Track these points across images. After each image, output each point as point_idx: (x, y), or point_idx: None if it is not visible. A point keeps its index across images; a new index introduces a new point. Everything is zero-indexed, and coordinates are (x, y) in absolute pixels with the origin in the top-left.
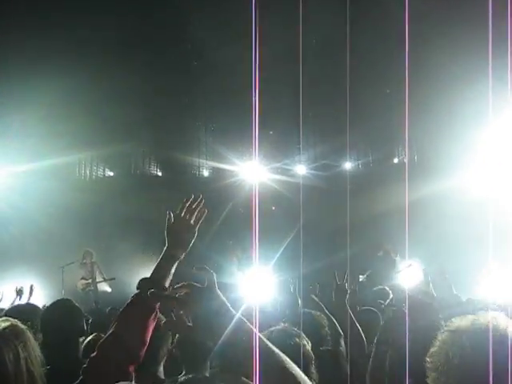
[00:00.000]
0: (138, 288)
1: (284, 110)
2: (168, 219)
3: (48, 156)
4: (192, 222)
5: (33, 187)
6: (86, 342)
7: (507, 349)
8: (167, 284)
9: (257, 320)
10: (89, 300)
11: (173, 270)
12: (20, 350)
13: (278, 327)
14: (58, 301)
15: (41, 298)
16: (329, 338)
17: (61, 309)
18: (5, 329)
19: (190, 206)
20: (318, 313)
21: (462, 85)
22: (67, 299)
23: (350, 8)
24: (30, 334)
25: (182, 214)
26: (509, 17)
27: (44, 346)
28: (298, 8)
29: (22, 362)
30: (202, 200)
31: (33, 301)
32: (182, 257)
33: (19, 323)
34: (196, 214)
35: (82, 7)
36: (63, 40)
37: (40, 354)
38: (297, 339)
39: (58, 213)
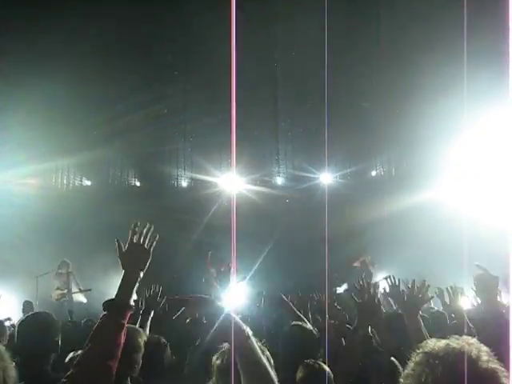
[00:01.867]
0: (104, 309)
1: (262, 121)
2: (118, 246)
3: (25, 163)
4: (146, 245)
5: (9, 194)
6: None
7: (478, 374)
8: (132, 303)
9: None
10: (63, 311)
11: (135, 289)
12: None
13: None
14: (36, 314)
15: (14, 307)
16: (320, 352)
17: (38, 323)
18: None
19: (141, 230)
20: (309, 326)
21: (438, 99)
22: (46, 313)
23: (328, 23)
24: (6, 356)
25: (135, 240)
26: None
27: (16, 357)
28: (278, 20)
29: None
30: (150, 227)
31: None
32: (141, 276)
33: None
34: (149, 237)
35: (66, 13)
36: (43, 46)
37: (15, 374)
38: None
39: (34, 221)
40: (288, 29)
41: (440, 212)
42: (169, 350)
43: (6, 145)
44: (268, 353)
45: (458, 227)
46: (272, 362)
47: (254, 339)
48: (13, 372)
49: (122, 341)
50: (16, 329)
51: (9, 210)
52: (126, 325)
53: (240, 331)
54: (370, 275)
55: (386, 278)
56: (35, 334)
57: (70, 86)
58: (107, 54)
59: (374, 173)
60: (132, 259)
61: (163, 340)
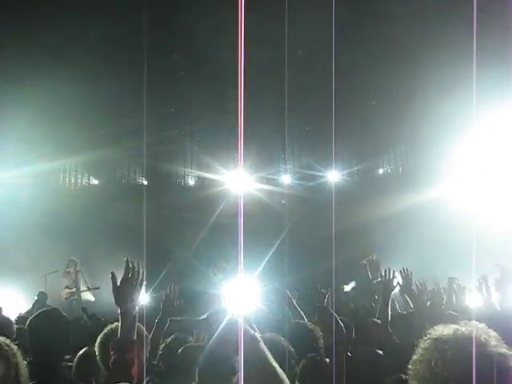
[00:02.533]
0: (112, 349)
1: (270, 120)
2: (112, 281)
3: (33, 163)
4: (135, 282)
5: (17, 194)
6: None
7: (487, 358)
8: (135, 336)
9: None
10: (72, 309)
11: (135, 321)
12: (9, 367)
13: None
14: (47, 311)
15: (23, 306)
16: (322, 349)
17: (48, 320)
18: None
19: (132, 266)
20: (312, 324)
21: (445, 98)
22: (57, 310)
23: (336, 21)
24: (18, 354)
25: (129, 275)
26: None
27: (26, 356)
28: (285, 20)
29: (9, 380)
30: (139, 265)
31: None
32: (137, 310)
33: (8, 341)
34: (140, 275)
35: (71, 11)
36: (50, 44)
37: (27, 374)
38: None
39: (42, 220)
40: (295, 27)
41: (447, 210)
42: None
43: (13, 144)
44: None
45: (464, 225)
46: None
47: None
48: (25, 371)
49: (135, 370)
50: (27, 326)
51: (16, 210)
52: None
53: (249, 336)
54: (377, 273)
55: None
56: (47, 331)
57: (77, 85)
58: (114, 54)
59: (381, 171)
60: (124, 296)
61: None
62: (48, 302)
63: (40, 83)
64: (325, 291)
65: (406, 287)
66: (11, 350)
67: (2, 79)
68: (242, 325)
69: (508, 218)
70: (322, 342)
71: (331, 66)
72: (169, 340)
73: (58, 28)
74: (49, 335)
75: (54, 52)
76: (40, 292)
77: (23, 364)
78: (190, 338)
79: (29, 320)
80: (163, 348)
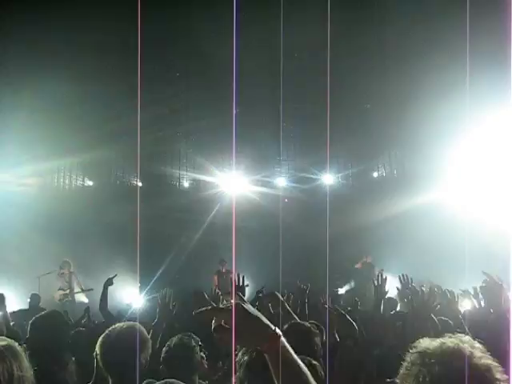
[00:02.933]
0: None
1: (264, 122)
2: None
3: (27, 163)
4: None
5: (11, 194)
6: None
7: (473, 371)
8: None
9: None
10: (65, 311)
11: None
12: (15, 369)
13: None
14: (49, 313)
15: (16, 307)
16: (319, 349)
17: (50, 323)
18: (2, 347)
19: None
20: (308, 324)
21: (440, 100)
22: (58, 312)
23: (331, 24)
24: (24, 356)
25: None
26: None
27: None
28: (281, 21)
29: (15, 381)
30: None
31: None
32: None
33: (16, 344)
34: None
35: (67, 13)
36: (44, 46)
37: (32, 376)
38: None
39: (36, 221)
40: (290, 30)
41: (442, 213)
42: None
43: (8, 145)
44: None
45: (459, 228)
46: None
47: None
48: (30, 373)
49: None
50: (28, 328)
51: (10, 210)
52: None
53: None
54: (373, 276)
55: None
56: (47, 334)
57: (71, 86)
58: (109, 54)
59: (375, 174)
60: None
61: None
62: (40, 304)
63: (33, 85)
64: (305, 287)
65: (403, 292)
66: (18, 361)
67: None
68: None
69: (503, 220)
70: (318, 341)
71: (327, 69)
72: (172, 342)
73: (53, 29)
74: (50, 338)
75: (48, 53)
76: (32, 294)
77: (28, 367)
78: (193, 342)
79: (33, 319)
80: (166, 351)
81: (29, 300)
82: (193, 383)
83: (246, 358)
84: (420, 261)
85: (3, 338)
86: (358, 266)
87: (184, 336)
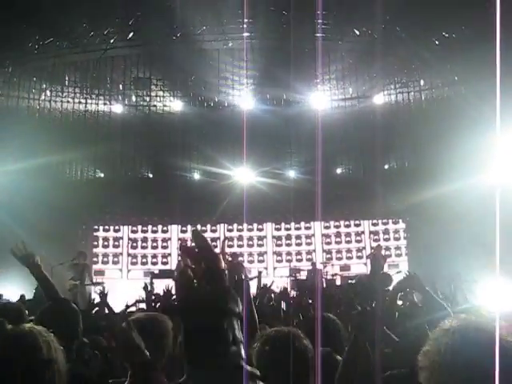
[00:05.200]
0: None
1: (274, 113)
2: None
3: (39, 155)
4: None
5: (23, 186)
6: None
7: (499, 346)
8: None
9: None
10: (74, 302)
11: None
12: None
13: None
14: (57, 300)
15: (30, 295)
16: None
17: (64, 311)
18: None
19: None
20: (333, 316)
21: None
22: (66, 300)
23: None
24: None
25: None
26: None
27: None
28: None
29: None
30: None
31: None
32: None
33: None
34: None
35: None
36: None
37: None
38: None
39: (49, 212)
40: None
41: (455, 205)
42: None
43: (19, 137)
44: None
45: (473, 221)
46: None
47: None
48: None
49: None
50: (38, 317)
51: (23, 202)
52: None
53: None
54: (381, 268)
55: (397, 273)
56: (60, 323)
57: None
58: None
59: (386, 166)
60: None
61: None
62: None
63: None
64: None
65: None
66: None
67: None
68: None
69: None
70: (341, 333)
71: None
72: None
73: None
74: (62, 327)
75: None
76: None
77: (60, 349)
78: None
79: (39, 311)
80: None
81: (34, 291)
82: None
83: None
84: (431, 251)
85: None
86: (369, 257)
87: None
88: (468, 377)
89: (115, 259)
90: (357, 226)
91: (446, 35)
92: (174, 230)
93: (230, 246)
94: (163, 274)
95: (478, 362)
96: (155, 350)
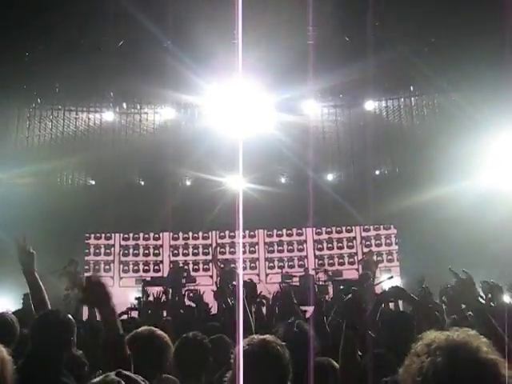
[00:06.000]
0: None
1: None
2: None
3: (30, 163)
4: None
5: (14, 194)
6: None
7: (478, 365)
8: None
9: None
10: (67, 311)
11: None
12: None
13: None
14: (50, 312)
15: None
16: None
17: (52, 322)
18: None
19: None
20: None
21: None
22: (58, 311)
23: None
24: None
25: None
26: None
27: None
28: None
29: None
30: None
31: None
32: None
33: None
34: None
35: None
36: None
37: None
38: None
39: (41, 219)
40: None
41: (444, 211)
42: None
43: (11, 145)
44: None
45: (460, 226)
46: None
47: None
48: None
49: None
50: (30, 328)
51: (13, 210)
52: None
53: None
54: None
55: (389, 279)
56: (52, 335)
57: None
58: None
59: (377, 172)
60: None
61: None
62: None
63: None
64: None
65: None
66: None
67: None
68: None
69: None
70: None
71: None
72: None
73: None
74: (54, 338)
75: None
76: (25, 294)
77: (8, 360)
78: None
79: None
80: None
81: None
82: None
83: None
84: (421, 256)
85: None
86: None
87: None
88: None
89: (107, 267)
90: (348, 231)
91: (437, 42)
92: (166, 238)
93: (222, 253)
94: (155, 282)
95: (459, 382)
96: (152, 365)
